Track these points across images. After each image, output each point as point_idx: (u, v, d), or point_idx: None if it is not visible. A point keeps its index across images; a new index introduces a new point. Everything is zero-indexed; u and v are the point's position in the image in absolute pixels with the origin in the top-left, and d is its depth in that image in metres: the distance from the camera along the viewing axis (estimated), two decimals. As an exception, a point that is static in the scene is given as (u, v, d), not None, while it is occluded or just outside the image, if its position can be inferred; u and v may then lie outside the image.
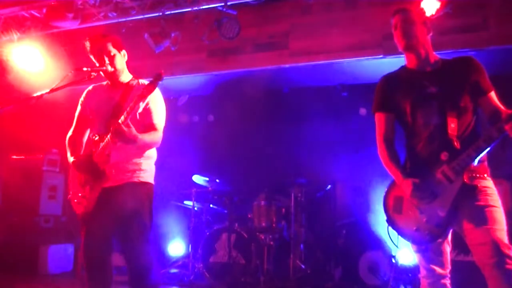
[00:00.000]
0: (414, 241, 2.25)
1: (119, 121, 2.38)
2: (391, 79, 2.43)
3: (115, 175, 2.56)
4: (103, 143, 2.52)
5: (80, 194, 2.55)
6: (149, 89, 2.36)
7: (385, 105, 2.41)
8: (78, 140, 2.80)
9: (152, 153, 2.76)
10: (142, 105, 2.45)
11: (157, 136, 2.66)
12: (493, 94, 2.23)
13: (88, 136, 2.79)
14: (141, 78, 2.82)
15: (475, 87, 2.22)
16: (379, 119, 2.42)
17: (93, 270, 2.54)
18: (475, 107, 2.25)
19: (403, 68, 2.43)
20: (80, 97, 2.84)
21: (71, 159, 2.65)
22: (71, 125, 2.84)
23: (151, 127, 2.65)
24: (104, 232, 2.56)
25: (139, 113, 2.57)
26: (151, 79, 2.38)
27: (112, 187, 2.56)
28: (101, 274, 2.56)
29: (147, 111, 2.62)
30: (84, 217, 2.56)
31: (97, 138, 2.59)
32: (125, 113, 2.39)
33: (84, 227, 2.55)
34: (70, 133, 2.82)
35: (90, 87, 2.85)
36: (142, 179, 2.64)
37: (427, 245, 2.22)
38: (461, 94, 2.21)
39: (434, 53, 2.37)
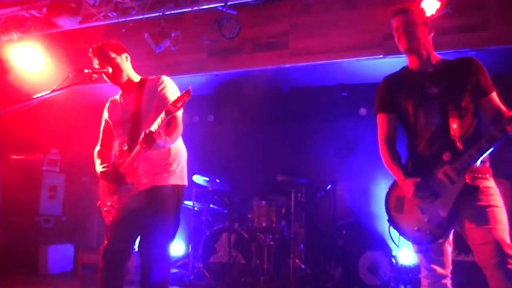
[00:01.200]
0: (415, 241, 2.25)
1: (151, 129, 2.34)
2: (393, 80, 2.44)
3: (142, 181, 2.56)
4: (131, 155, 2.52)
5: (109, 203, 2.57)
6: (176, 105, 2.34)
7: (387, 106, 2.41)
8: (106, 153, 2.82)
9: (177, 151, 2.69)
10: (155, 98, 2.58)
11: (177, 123, 2.56)
12: (494, 95, 2.23)
13: (118, 146, 2.79)
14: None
15: (476, 88, 2.22)
16: (381, 120, 2.42)
17: (108, 273, 2.55)
18: (476, 107, 2.25)
19: (404, 69, 2.44)
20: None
21: (99, 169, 2.66)
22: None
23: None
24: (128, 239, 2.59)
25: (155, 107, 2.58)
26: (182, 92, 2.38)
27: (138, 193, 2.56)
28: (115, 277, 2.57)
29: (163, 101, 2.59)
30: (111, 225, 2.59)
31: (126, 147, 2.60)
32: (155, 124, 2.35)
33: (109, 233, 2.58)
34: (98, 147, 2.84)
35: (108, 102, 2.87)
36: (169, 182, 2.61)
37: (428, 245, 2.22)
38: (462, 94, 2.21)
39: (435, 53, 2.37)
